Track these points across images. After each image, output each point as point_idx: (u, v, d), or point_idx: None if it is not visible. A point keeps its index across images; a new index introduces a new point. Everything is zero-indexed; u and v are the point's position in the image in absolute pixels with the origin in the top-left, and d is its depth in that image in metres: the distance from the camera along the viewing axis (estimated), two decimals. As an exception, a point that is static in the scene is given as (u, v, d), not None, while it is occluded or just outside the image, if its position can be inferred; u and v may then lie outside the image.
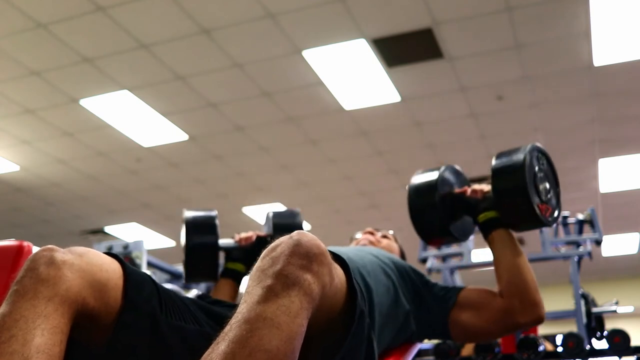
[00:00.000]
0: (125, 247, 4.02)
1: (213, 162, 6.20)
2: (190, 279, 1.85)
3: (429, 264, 3.70)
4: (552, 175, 1.72)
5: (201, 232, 1.81)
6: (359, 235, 2.03)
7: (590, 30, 4.21)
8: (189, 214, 1.85)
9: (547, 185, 1.67)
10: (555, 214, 1.67)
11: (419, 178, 1.73)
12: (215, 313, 1.19)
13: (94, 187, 6.82)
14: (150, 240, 8.12)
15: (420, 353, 4.73)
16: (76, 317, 0.94)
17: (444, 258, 3.79)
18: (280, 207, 7.29)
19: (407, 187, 1.74)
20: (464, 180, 1.82)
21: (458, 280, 3.62)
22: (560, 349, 3.23)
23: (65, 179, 6.60)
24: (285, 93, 5.03)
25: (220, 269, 1.87)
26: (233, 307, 1.28)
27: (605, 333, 3.27)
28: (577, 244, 3.69)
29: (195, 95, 5.03)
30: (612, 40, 4.34)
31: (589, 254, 3.59)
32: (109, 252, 1.05)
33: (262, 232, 1.90)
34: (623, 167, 6.41)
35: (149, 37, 4.29)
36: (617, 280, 10.14)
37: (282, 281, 0.92)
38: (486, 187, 1.69)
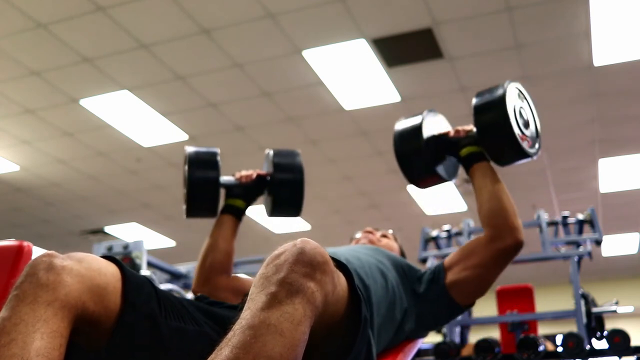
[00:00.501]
0: (125, 247, 4.01)
1: (213, 162, 6.20)
2: (191, 213, 1.86)
3: (429, 263, 3.70)
4: (531, 114, 1.76)
5: (203, 167, 1.83)
6: (358, 235, 2.03)
7: (590, 30, 4.21)
8: (190, 149, 1.87)
9: (527, 119, 1.71)
10: (536, 147, 1.72)
11: (403, 124, 1.78)
12: (213, 314, 1.20)
13: (94, 187, 6.82)
14: (150, 240, 8.12)
15: (420, 353, 4.74)
16: (76, 321, 0.94)
17: (444, 258, 3.79)
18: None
19: (393, 133, 1.78)
20: (446, 124, 1.86)
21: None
22: (560, 349, 3.23)
23: (65, 179, 6.60)
24: (285, 93, 5.03)
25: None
26: (232, 308, 1.28)
27: (605, 333, 3.28)
28: (577, 244, 3.69)
29: (195, 95, 5.03)
30: (612, 40, 4.34)
31: (589, 254, 3.60)
32: (107, 256, 1.06)
33: (262, 171, 1.92)
34: (623, 167, 6.41)
35: (149, 37, 4.29)
36: (617, 280, 10.14)
37: (286, 289, 0.93)
38: (468, 126, 1.74)
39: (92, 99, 5.06)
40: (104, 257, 1.05)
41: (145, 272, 3.93)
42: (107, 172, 6.45)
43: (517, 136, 1.61)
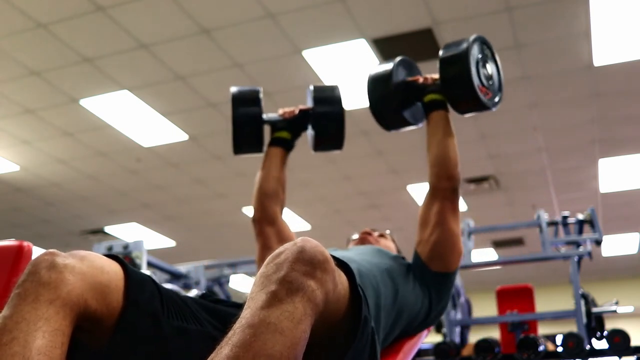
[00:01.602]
0: (125, 247, 4.01)
1: (213, 162, 6.20)
2: (238, 149, 1.95)
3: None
4: (495, 66, 1.88)
5: (246, 104, 1.92)
6: (355, 236, 2.03)
7: (590, 30, 4.21)
8: (234, 89, 1.96)
9: (489, 72, 1.82)
10: (496, 99, 1.81)
11: (377, 69, 1.88)
12: (217, 312, 1.19)
13: (94, 187, 6.82)
14: (150, 240, 8.12)
15: (420, 353, 4.73)
16: (78, 320, 0.94)
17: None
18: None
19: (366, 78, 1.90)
20: (418, 72, 1.94)
21: (458, 280, 3.62)
22: (560, 349, 3.23)
23: (65, 179, 6.60)
24: (285, 93, 5.03)
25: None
26: (236, 306, 1.28)
27: (605, 333, 3.28)
28: (577, 244, 3.69)
29: (195, 95, 5.03)
30: (612, 40, 4.34)
31: (589, 254, 3.60)
32: (110, 254, 1.06)
33: (304, 106, 2.01)
34: (623, 167, 6.41)
35: (149, 37, 4.29)
36: (617, 280, 10.15)
37: (286, 287, 0.93)
38: (435, 75, 1.81)
39: (92, 99, 5.06)
40: (106, 255, 1.05)
41: (145, 272, 3.93)
42: (107, 172, 6.45)
43: (477, 87, 1.70)
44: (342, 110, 1.94)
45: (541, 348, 3.20)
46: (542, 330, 4.72)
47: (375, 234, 2.03)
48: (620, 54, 4.51)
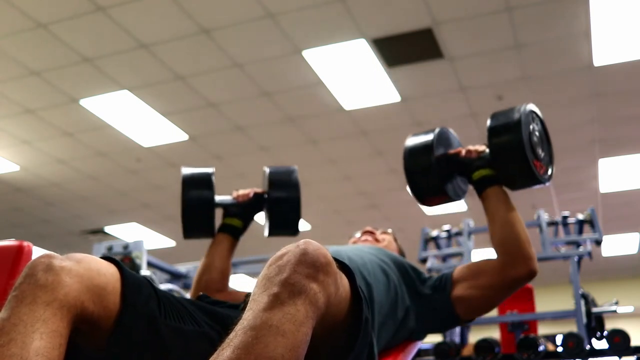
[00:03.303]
0: (125, 247, 4.01)
1: (213, 162, 6.20)
2: (188, 234, 1.87)
3: (429, 264, 3.70)
4: (545, 137, 1.74)
5: (198, 187, 1.83)
6: (357, 235, 2.03)
7: (590, 30, 4.21)
8: (186, 170, 1.88)
9: (541, 144, 1.69)
10: (549, 172, 1.71)
11: (415, 140, 1.76)
12: (214, 313, 1.20)
13: (94, 187, 6.82)
14: (150, 240, 8.12)
15: (420, 353, 4.73)
16: (75, 322, 0.95)
17: (444, 258, 3.79)
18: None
19: (403, 149, 1.78)
20: (457, 143, 1.84)
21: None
22: (560, 349, 3.23)
23: (65, 179, 6.60)
24: (285, 93, 5.03)
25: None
26: (233, 307, 1.28)
27: (605, 333, 3.27)
28: (577, 244, 3.69)
29: (195, 95, 5.03)
30: (612, 40, 4.34)
31: (589, 254, 3.59)
32: (107, 256, 1.06)
33: (259, 189, 1.92)
34: (623, 167, 6.41)
35: (149, 37, 4.29)
36: (617, 280, 10.15)
37: (288, 289, 0.93)
38: (480, 147, 1.72)
39: (92, 99, 5.06)
40: (103, 257, 1.05)
41: (145, 272, 3.93)
42: (107, 172, 6.45)
43: (531, 162, 1.59)
44: (298, 195, 1.83)
45: (541, 348, 3.20)
46: (542, 330, 4.71)
47: (378, 232, 2.03)
48: (620, 54, 4.52)
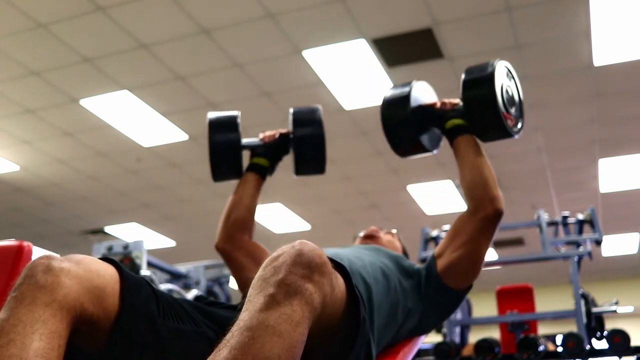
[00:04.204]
0: (125, 247, 4.01)
1: (213, 162, 6.20)
2: (217, 177, 1.93)
3: (429, 264, 3.69)
4: (517, 91, 1.80)
5: (224, 130, 1.89)
6: (361, 234, 2.03)
7: (590, 30, 4.21)
8: (211, 115, 1.93)
9: (512, 99, 1.75)
10: (519, 125, 1.77)
11: (392, 92, 1.82)
12: (212, 314, 1.20)
13: (94, 187, 6.82)
14: (150, 240, 8.12)
15: (420, 353, 4.73)
16: (75, 323, 0.95)
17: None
18: (280, 207, 7.28)
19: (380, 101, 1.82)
20: (434, 96, 1.90)
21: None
22: (560, 349, 3.23)
23: (65, 179, 6.60)
24: (285, 93, 5.03)
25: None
26: (230, 308, 1.29)
27: (605, 333, 3.28)
28: (577, 244, 3.69)
29: (195, 95, 5.03)
30: (612, 40, 4.34)
31: (589, 254, 3.60)
32: (106, 257, 1.07)
33: (284, 130, 1.97)
34: (623, 167, 6.41)
35: (149, 37, 4.29)
36: (617, 280, 10.14)
37: (284, 290, 0.93)
38: (455, 100, 1.77)
39: (92, 99, 5.06)
40: (103, 258, 1.05)
41: (145, 272, 3.93)
42: (107, 172, 6.45)
43: (502, 115, 1.65)
44: (322, 133, 1.88)
45: (541, 348, 3.20)
46: (542, 330, 4.72)
47: (382, 232, 2.03)
48: (620, 54, 4.52)
